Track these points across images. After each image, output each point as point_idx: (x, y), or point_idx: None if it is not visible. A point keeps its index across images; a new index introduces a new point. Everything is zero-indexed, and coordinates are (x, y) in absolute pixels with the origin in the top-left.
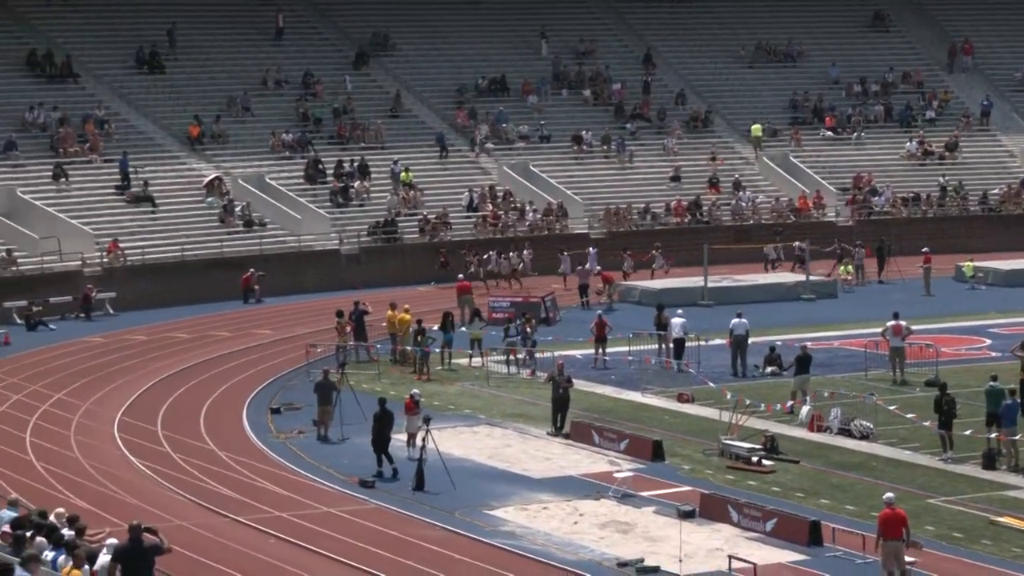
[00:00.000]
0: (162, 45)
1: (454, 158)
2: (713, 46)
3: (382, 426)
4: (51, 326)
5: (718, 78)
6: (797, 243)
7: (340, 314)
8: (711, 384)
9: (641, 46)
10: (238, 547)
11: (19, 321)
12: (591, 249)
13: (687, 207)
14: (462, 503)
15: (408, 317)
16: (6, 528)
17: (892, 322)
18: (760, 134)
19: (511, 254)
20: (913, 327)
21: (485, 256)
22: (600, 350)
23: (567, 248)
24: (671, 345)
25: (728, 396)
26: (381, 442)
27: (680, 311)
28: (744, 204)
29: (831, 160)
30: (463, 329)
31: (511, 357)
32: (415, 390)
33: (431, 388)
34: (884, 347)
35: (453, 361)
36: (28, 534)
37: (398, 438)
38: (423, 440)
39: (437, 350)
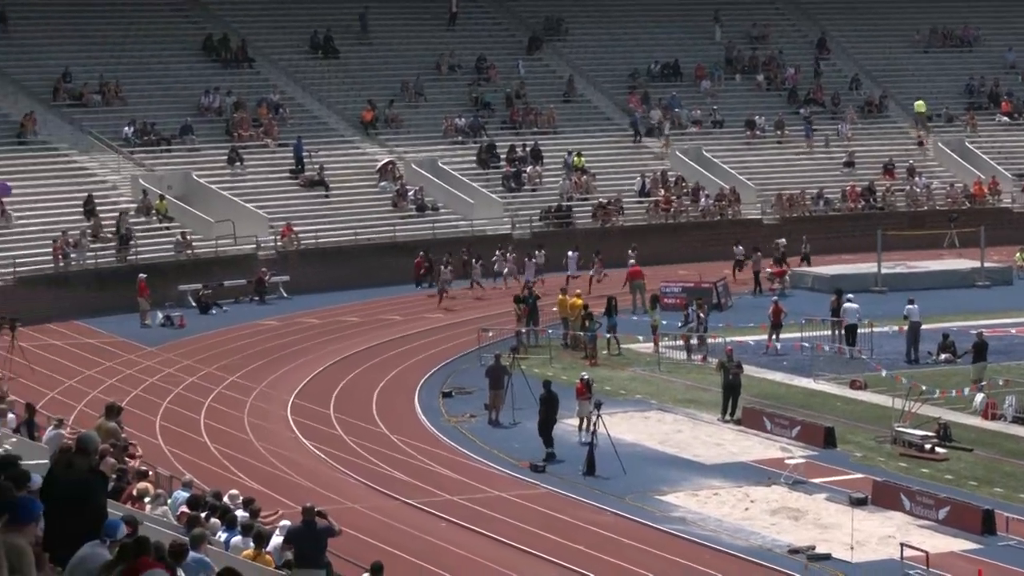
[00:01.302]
0: (336, 30)
1: (626, 143)
2: (888, 31)
3: (548, 409)
4: (224, 308)
5: (893, 63)
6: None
7: (518, 300)
8: (884, 371)
9: (815, 31)
10: (409, 530)
11: (193, 304)
12: (570, 252)
13: (861, 193)
14: (633, 488)
15: (579, 302)
16: (183, 509)
17: None
18: (924, 110)
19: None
20: None
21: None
22: (774, 336)
23: (622, 247)
24: (844, 331)
25: (903, 382)
26: (546, 425)
27: (851, 296)
28: (918, 190)
29: (1007, 146)
30: (634, 317)
31: (685, 343)
32: (585, 374)
33: (602, 373)
34: None
35: (624, 346)
36: (203, 515)
37: (568, 423)
38: (594, 425)
39: (608, 335)
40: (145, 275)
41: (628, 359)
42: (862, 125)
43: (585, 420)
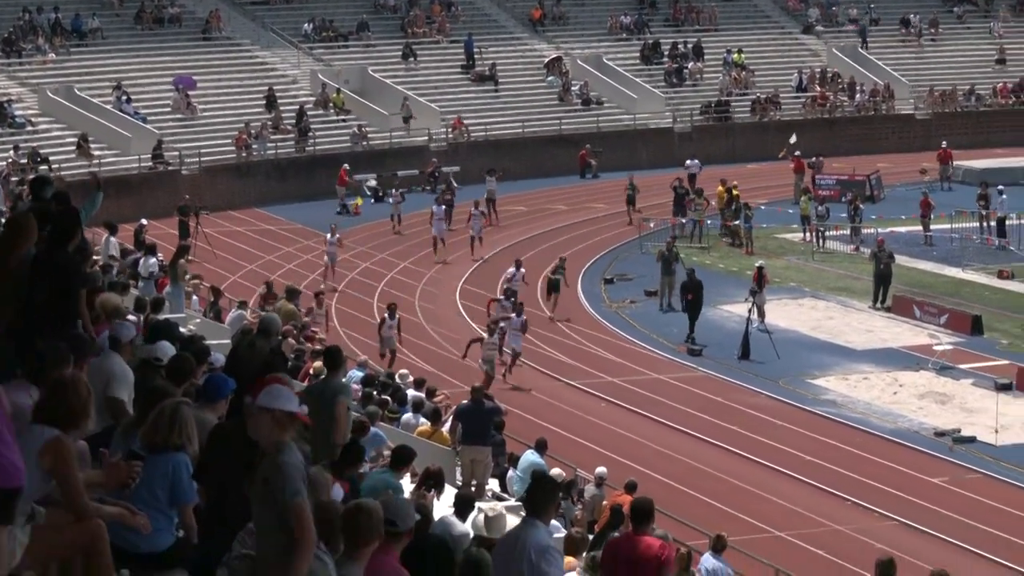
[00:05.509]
0: None
1: (784, 40)
2: None
3: (689, 294)
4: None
5: None
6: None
7: (700, 192)
8: None
9: None
10: (571, 410)
11: (368, 193)
12: (472, 210)
13: (1011, 89)
14: (786, 372)
15: (736, 194)
16: (356, 386)
17: None
18: None
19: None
20: None
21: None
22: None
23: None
24: (993, 223)
25: None
26: (688, 308)
27: (1001, 187)
28: None
29: None
30: (789, 211)
31: (815, 234)
32: (760, 262)
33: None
34: None
35: (780, 236)
36: (374, 392)
37: (726, 308)
38: (748, 311)
39: (765, 224)
40: (347, 165)
41: (784, 248)
42: (1014, 23)
43: (758, 308)
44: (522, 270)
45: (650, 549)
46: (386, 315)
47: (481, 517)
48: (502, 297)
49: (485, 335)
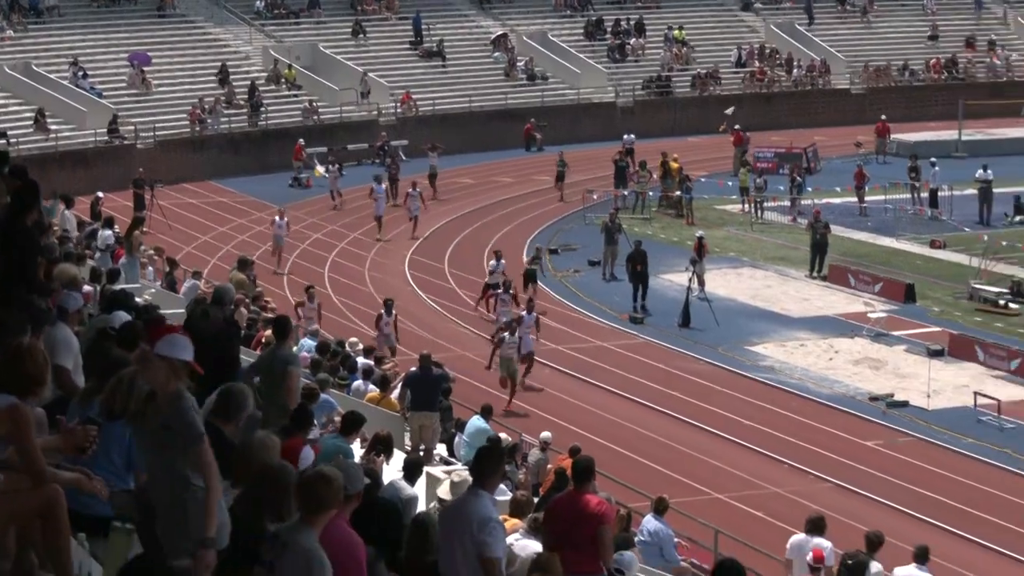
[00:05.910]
0: None
1: (723, 17)
2: None
3: (638, 264)
4: (325, 172)
5: None
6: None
7: (644, 165)
8: (967, 230)
9: None
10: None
11: (319, 166)
12: (375, 185)
13: (944, 64)
14: (725, 339)
15: (677, 166)
16: (304, 354)
17: None
18: None
19: None
20: None
21: None
22: (860, 198)
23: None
24: (926, 194)
25: (985, 239)
26: (636, 279)
27: (933, 159)
28: (999, 62)
29: None
30: (729, 183)
31: (757, 204)
32: (700, 232)
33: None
34: None
35: (720, 207)
36: (324, 360)
37: (666, 278)
38: (689, 280)
39: (706, 196)
40: (303, 140)
41: (724, 219)
42: (946, 0)
43: (698, 277)
44: (503, 261)
45: (588, 505)
46: (382, 311)
47: (447, 483)
48: (500, 291)
49: (506, 334)
